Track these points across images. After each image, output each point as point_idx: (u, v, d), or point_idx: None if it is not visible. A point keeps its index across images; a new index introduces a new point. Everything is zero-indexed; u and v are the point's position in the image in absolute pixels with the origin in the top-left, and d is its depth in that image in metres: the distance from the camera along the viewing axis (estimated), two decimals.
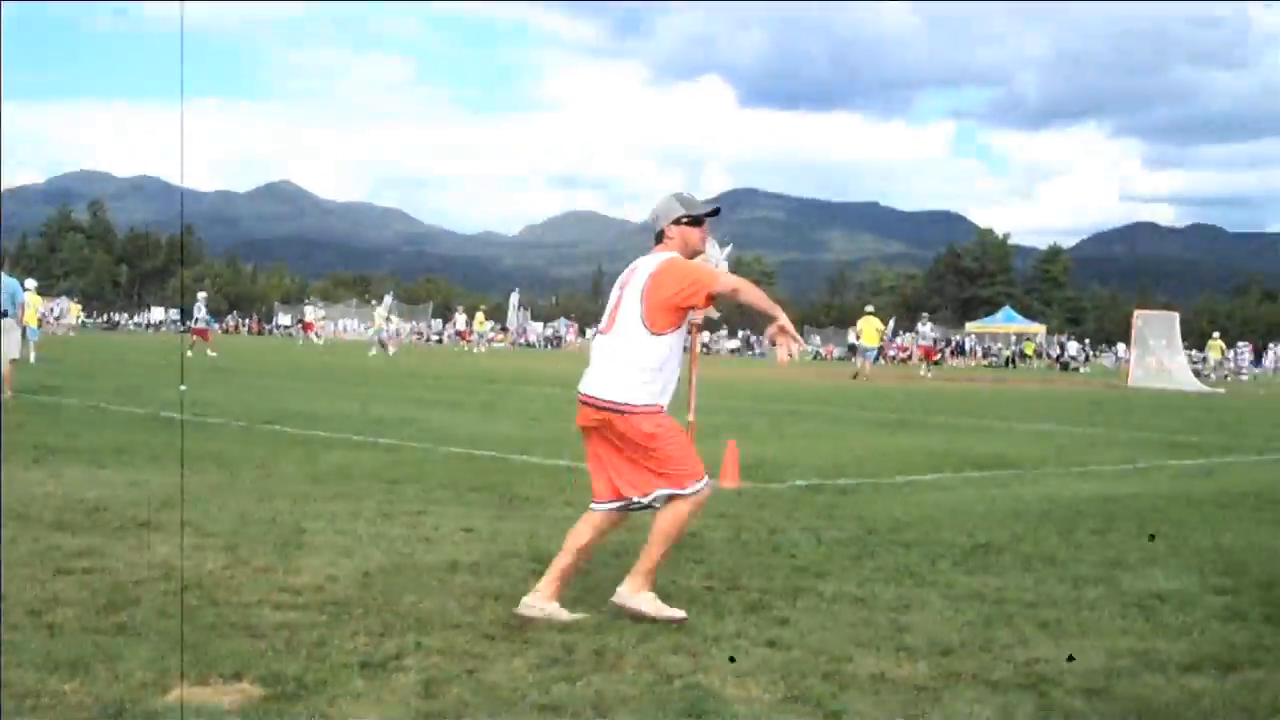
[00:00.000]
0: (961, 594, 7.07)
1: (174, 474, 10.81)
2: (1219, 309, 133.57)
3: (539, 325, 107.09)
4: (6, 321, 18.12)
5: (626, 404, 6.27)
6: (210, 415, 16.97)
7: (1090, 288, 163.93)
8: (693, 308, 6.41)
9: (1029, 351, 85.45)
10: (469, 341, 74.61)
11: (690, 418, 11.38)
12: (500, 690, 4.96)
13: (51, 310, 77.54)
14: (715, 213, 6.77)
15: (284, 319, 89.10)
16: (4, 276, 18.61)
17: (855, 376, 40.48)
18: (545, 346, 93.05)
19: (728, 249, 8.85)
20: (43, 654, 5.15)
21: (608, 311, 6.53)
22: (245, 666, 5.08)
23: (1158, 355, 47.54)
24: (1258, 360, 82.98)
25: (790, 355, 6.48)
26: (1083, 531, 9.46)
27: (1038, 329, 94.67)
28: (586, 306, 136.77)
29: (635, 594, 6.34)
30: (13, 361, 18.85)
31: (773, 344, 6.50)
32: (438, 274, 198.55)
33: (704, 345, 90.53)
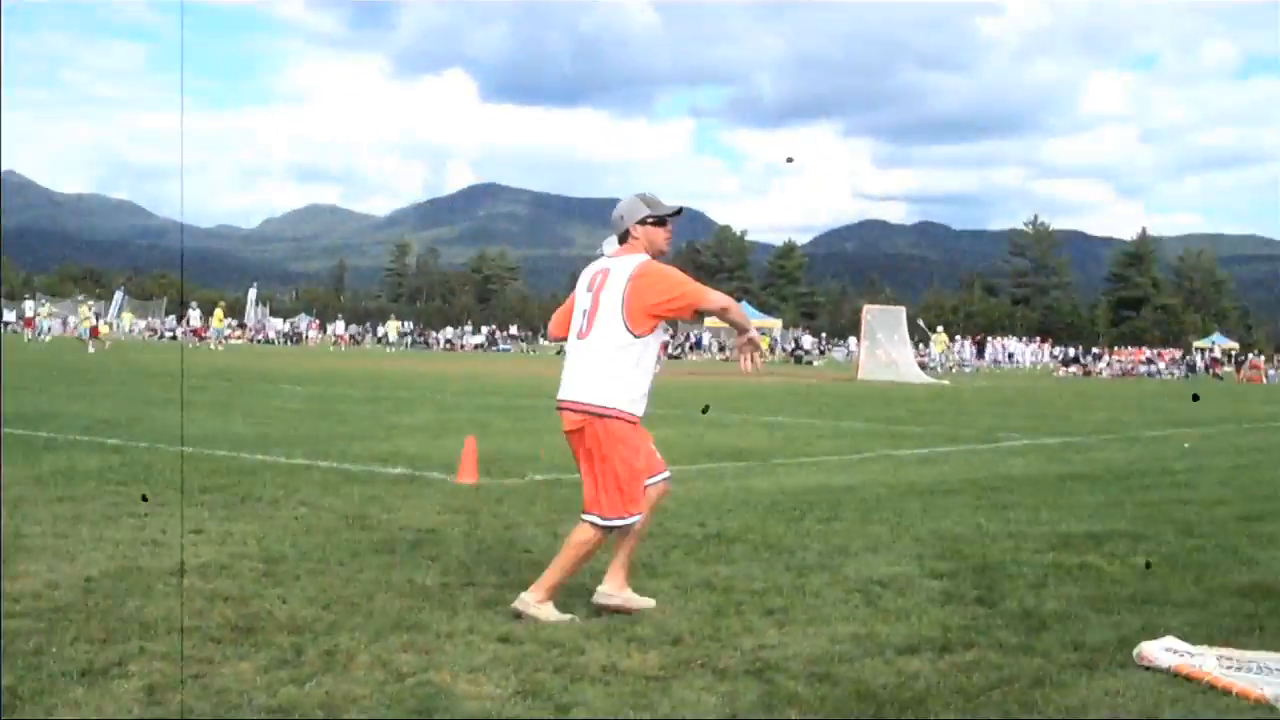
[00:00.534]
0: (692, 584, 7.22)
1: None
2: (945, 303, 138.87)
3: (278, 321, 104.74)
4: None
5: (607, 407, 6.39)
6: None
7: (824, 283, 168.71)
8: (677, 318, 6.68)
9: (764, 345, 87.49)
10: (205, 338, 72.68)
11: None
12: (228, 694, 4.87)
13: None
14: (678, 213, 6.83)
15: (9, 315, 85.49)
16: None
17: None
18: (285, 343, 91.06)
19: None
20: None
21: (582, 315, 6.58)
22: None
23: (886, 348, 49.19)
24: (980, 353, 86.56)
25: (754, 366, 6.75)
26: (809, 520, 9.76)
27: (773, 323, 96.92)
28: (328, 301, 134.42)
29: (536, 605, 6.36)
30: None
31: (739, 350, 6.77)
32: (172, 268, 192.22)
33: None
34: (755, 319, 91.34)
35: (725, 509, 10.27)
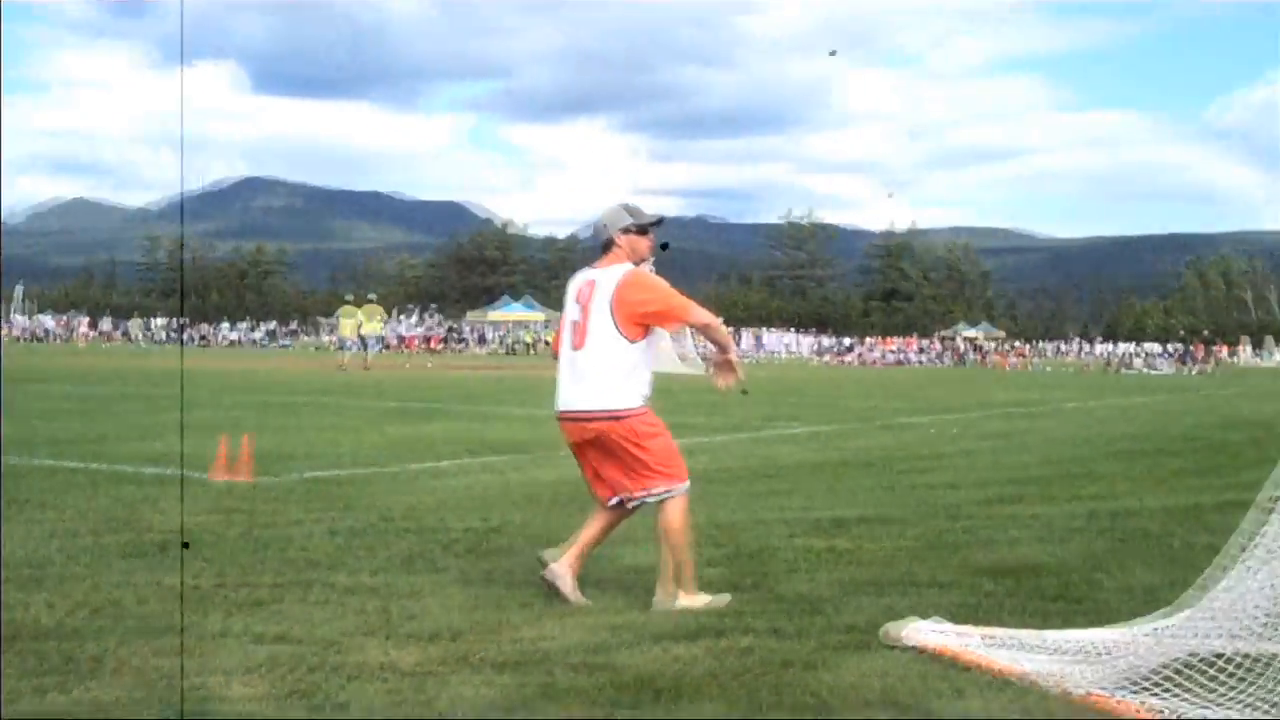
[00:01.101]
0: (473, 578, 7.24)
1: None
2: (724, 297, 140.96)
3: (47, 318, 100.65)
4: None
5: (620, 409, 6.64)
6: None
7: None
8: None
9: (546, 338, 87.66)
10: None
11: None
12: None
13: None
14: (659, 222, 7.02)
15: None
16: None
17: (341, 367, 39.18)
18: (53, 340, 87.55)
19: None
20: None
21: (572, 326, 6.77)
22: None
23: (658, 340, 49.65)
24: (759, 345, 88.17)
25: (730, 385, 7.08)
26: (584, 512, 9.79)
27: (551, 316, 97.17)
28: (98, 297, 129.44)
29: (671, 600, 6.63)
30: None
31: (717, 368, 7.12)
32: None
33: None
34: (532, 312, 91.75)
35: (507, 502, 10.31)
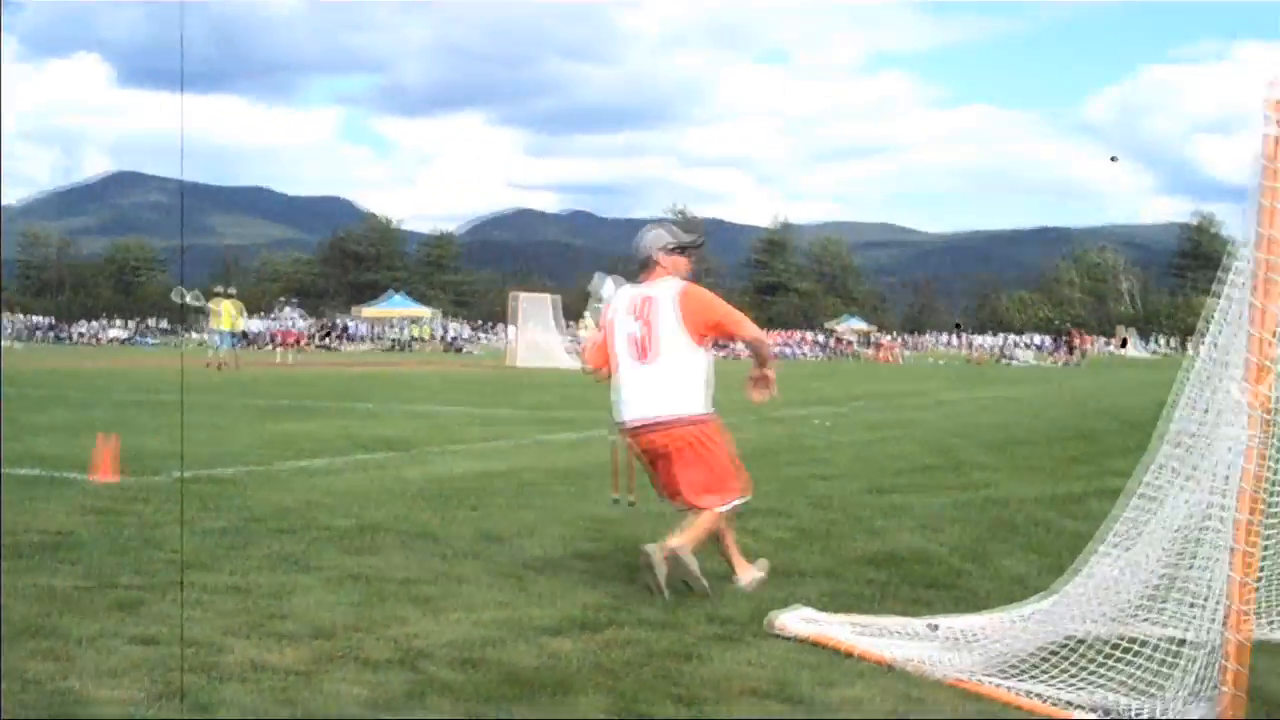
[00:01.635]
0: (342, 576, 7.15)
1: None
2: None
3: None
4: None
5: (700, 415, 6.95)
6: None
7: (478, 271, 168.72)
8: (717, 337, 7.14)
9: (422, 335, 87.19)
10: None
11: None
12: None
13: None
14: (700, 244, 7.51)
15: None
16: None
17: (209, 365, 37.57)
18: None
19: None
20: None
21: (631, 340, 7.01)
22: None
23: (538, 335, 49.62)
24: None
25: (762, 400, 7.33)
26: (460, 508, 9.80)
27: (428, 312, 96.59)
28: None
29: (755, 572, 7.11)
30: None
31: (754, 383, 7.28)
32: None
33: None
34: (411, 309, 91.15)
35: (375, 499, 10.20)
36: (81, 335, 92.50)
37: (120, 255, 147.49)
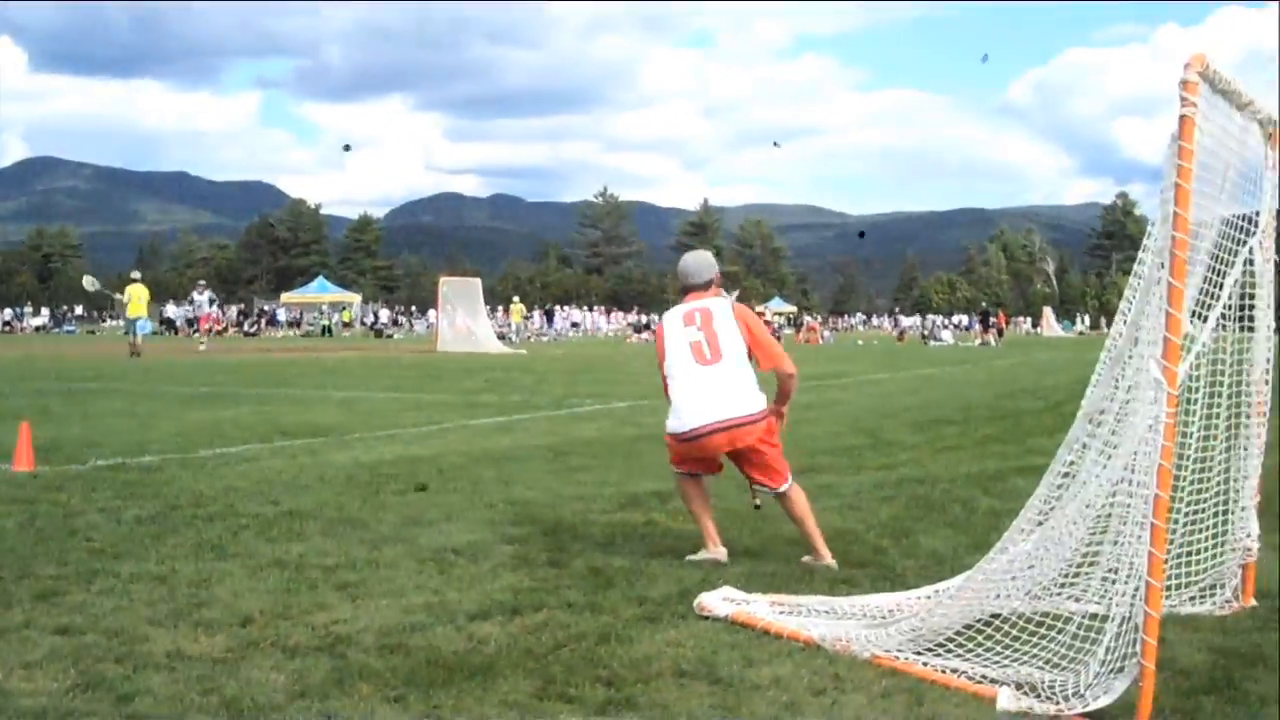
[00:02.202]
0: (264, 563, 7.10)
1: None
2: (522, 274, 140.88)
3: None
4: None
5: (761, 412, 7.22)
6: None
7: (402, 256, 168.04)
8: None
9: (346, 319, 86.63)
10: None
11: None
12: None
13: None
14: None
15: None
16: None
17: (135, 354, 36.04)
18: None
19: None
20: None
21: (694, 346, 7.26)
22: None
23: (463, 320, 49.40)
24: (550, 322, 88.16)
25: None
26: (385, 493, 9.75)
27: (353, 298, 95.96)
28: None
29: (826, 559, 7.23)
30: None
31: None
32: None
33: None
34: (335, 294, 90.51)
35: (300, 486, 10.12)
36: (12, 324, 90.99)
37: (39, 242, 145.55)
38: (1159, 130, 4.71)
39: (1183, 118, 4.55)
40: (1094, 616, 5.04)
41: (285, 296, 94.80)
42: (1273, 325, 6.05)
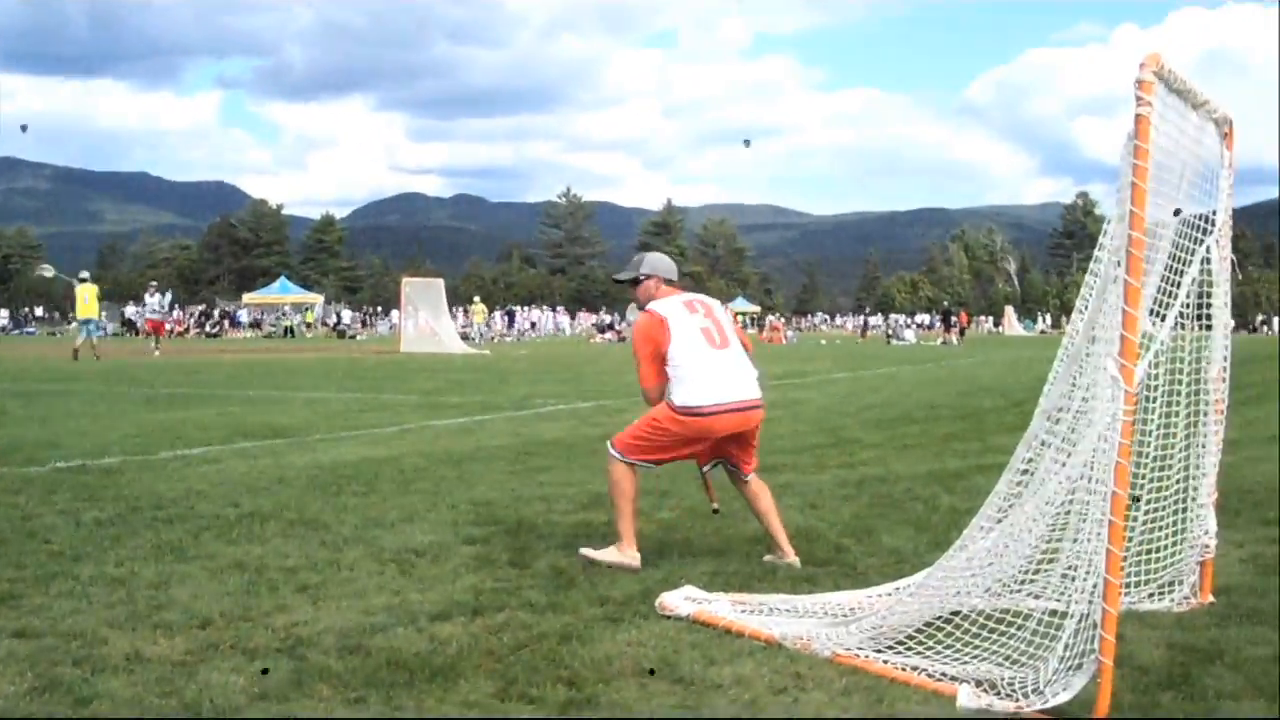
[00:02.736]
0: (224, 565, 7.06)
1: None
2: (485, 275, 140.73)
3: None
4: None
5: (761, 398, 7.42)
6: None
7: (365, 256, 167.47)
8: None
9: (309, 321, 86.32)
10: None
11: None
12: None
13: None
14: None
15: None
16: None
17: (96, 357, 35.12)
18: None
19: None
20: None
21: (705, 332, 7.28)
22: None
23: (426, 320, 49.31)
24: (510, 323, 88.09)
25: None
26: (346, 494, 9.71)
27: (315, 298, 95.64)
28: None
29: (789, 556, 7.27)
30: None
31: None
32: None
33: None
34: (297, 294, 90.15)
35: (259, 487, 10.07)
36: None
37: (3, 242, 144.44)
38: (1117, 130, 4.74)
39: (1138, 117, 4.58)
40: (1053, 613, 5.06)
41: (247, 297, 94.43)
42: (1230, 324, 6.11)
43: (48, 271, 40.93)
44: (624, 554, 7.13)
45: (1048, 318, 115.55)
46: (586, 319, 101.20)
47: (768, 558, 7.31)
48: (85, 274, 38.88)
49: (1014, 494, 5.28)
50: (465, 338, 57.27)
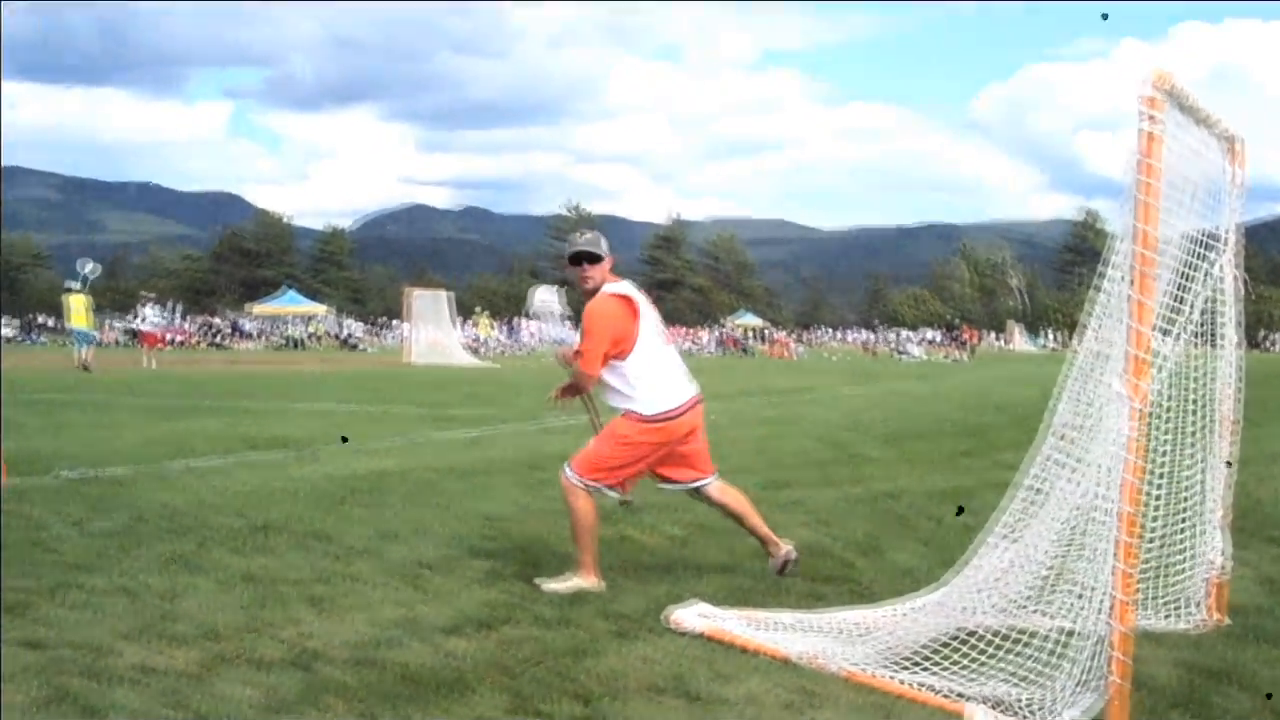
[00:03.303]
0: (233, 577, 7.07)
1: None
2: (492, 287, 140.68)
3: None
4: None
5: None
6: None
7: (371, 268, 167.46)
8: None
9: (316, 332, 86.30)
10: None
11: None
12: None
13: None
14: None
15: None
16: None
17: (85, 368, 33.73)
18: None
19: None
20: None
21: (657, 328, 7.18)
22: None
23: (433, 332, 49.32)
24: (510, 333, 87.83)
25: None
26: (355, 507, 9.72)
27: (322, 309, 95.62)
28: None
29: (784, 548, 7.30)
30: None
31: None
32: None
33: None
34: (303, 305, 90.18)
35: (268, 499, 10.07)
36: None
37: (4, 252, 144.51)
38: (1122, 146, 4.74)
39: (1146, 134, 4.58)
40: (1064, 632, 5.06)
41: (253, 308, 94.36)
42: (1239, 341, 6.10)
43: (92, 270, 38.59)
44: (587, 581, 6.95)
45: (1055, 334, 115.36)
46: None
47: (770, 565, 7.29)
48: (74, 284, 37.56)
49: (1024, 511, 5.28)
50: (475, 350, 57.23)
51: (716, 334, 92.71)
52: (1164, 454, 5.63)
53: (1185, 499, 5.91)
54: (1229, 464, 6.17)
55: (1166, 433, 5.62)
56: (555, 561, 7.63)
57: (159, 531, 8.50)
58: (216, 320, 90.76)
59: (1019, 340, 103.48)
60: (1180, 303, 5.22)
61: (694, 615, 6.07)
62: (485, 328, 69.90)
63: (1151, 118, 4.57)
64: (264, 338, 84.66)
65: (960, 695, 4.99)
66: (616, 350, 6.95)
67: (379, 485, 10.95)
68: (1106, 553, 4.73)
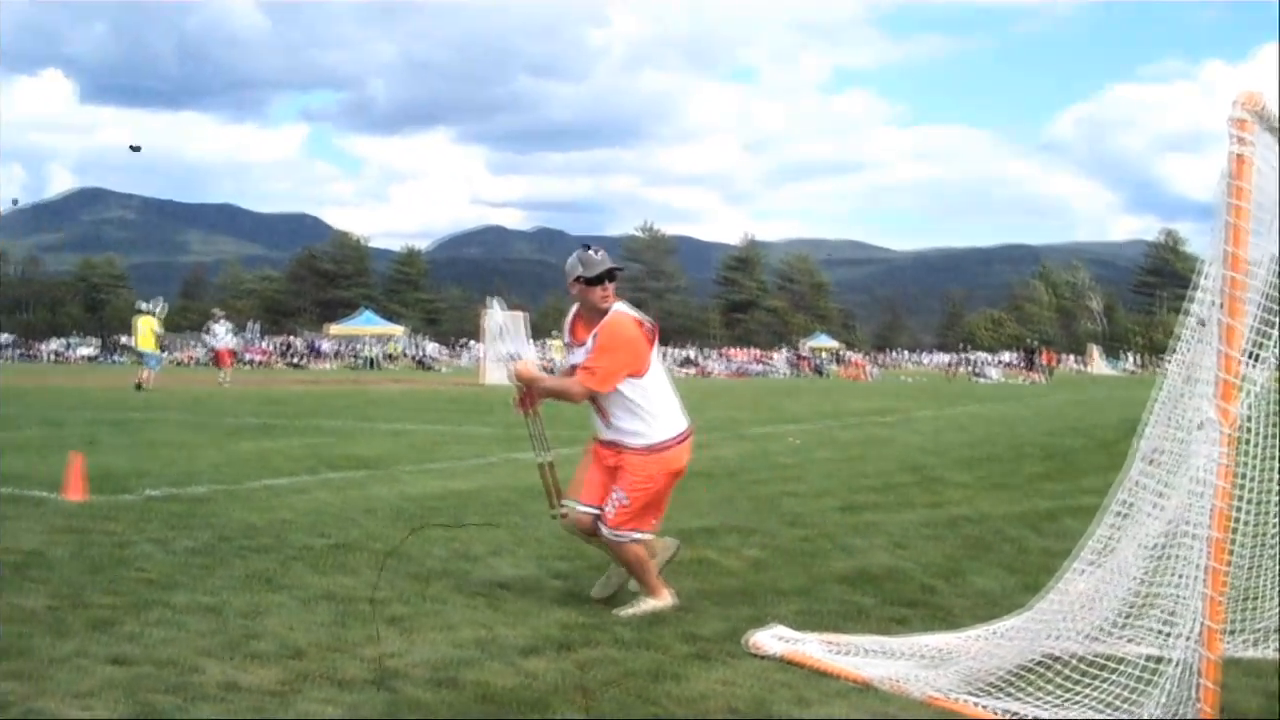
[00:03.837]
0: (314, 595, 7.12)
1: None
2: (565, 307, 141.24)
3: None
4: None
5: None
6: None
7: (446, 289, 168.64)
8: None
9: (392, 352, 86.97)
10: None
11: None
12: None
13: None
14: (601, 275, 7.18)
15: None
16: None
17: (139, 386, 33.85)
18: None
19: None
20: None
21: (659, 352, 7.17)
22: None
23: (509, 353, 49.47)
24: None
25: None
26: (432, 527, 9.75)
27: (398, 330, 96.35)
28: None
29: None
30: None
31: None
32: None
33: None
34: (379, 326, 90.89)
35: (347, 518, 10.15)
36: (50, 353, 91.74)
37: (87, 272, 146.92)
38: (1206, 167, 4.69)
39: (1236, 156, 4.53)
40: (1151, 659, 4.99)
41: (330, 328, 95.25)
42: None
43: (157, 309, 38.72)
44: (661, 600, 6.97)
45: (1134, 356, 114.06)
46: (668, 354, 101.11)
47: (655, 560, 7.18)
48: (144, 305, 37.94)
49: (1111, 537, 5.21)
50: (550, 372, 57.38)
51: (787, 355, 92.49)
52: (1251, 479, 5.54)
53: (1272, 525, 5.81)
54: None
55: (1253, 458, 5.52)
56: (633, 583, 7.61)
57: (240, 549, 8.59)
58: (295, 340, 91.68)
59: (1098, 363, 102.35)
60: (1269, 326, 5.14)
61: (773, 638, 6.04)
62: (559, 349, 70.09)
63: (1241, 139, 4.52)
64: (340, 358, 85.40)
65: None
66: (632, 371, 6.99)
67: (456, 505, 11.00)
68: (1195, 579, 4.66)
